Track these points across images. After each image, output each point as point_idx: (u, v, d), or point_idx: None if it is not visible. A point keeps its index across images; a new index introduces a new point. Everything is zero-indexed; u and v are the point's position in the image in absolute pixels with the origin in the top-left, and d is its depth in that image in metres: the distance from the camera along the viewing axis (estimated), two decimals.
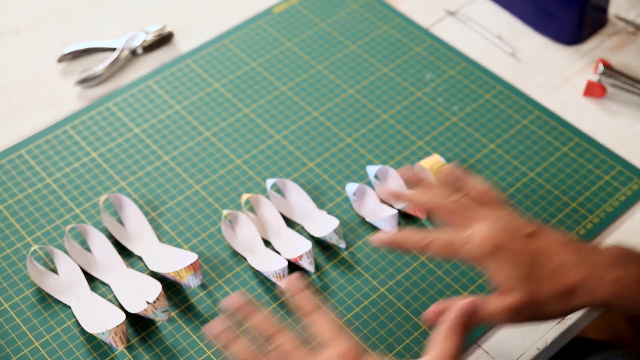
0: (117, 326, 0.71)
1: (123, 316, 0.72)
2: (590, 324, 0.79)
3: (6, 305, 0.76)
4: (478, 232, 0.64)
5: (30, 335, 0.74)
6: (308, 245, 0.78)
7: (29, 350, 0.73)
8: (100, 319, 0.73)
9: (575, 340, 0.79)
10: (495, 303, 0.62)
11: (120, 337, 0.71)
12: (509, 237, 0.64)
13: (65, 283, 0.77)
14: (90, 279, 0.78)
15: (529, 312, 0.62)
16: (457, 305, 0.61)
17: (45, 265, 0.79)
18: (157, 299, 0.73)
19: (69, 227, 0.80)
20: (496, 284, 0.63)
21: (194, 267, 0.75)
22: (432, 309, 0.63)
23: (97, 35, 1.02)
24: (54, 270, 0.78)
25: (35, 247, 0.79)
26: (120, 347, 0.71)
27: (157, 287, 0.74)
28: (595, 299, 0.62)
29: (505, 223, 0.65)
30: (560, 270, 0.62)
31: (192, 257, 0.76)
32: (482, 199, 0.69)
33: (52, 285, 0.77)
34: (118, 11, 1.06)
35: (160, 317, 0.73)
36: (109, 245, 0.79)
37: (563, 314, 0.64)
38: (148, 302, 0.73)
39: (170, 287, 0.78)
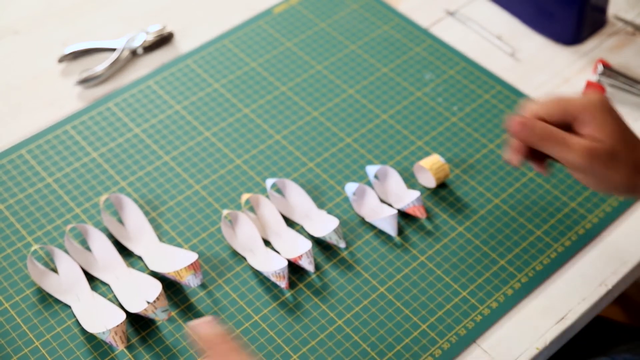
0: (117, 326, 0.71)
1: (123, 316, 0.72)
2: (612, 308, 0.79)
3: (6, 305, 0.76)
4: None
5: (30, 335, 0.74)
6: (308, 245, 0.78)
7: (29, 350, 0.73)
8: (101, 318, 0.73)
9: (598, 320, 0.79)
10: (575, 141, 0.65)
11: (120, 336, 0.71)
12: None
13: (66, 282, 0.77)
14: (91, 278, 0.78)
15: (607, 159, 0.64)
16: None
17: (46, 264, 0.79)
18: (157, 298, 0.73)
19: (69, 226, 0.80)
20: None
21: (194, 267, 0.75)
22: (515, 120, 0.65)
23: (98, 36, 1.02)
24: (55, 270, 0.78)
25: (35, 246, 0.79)
26: (120, 347, 0.71)
27: (157, 287, 0.74)
28: None
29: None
30: None
31: (192, 256, 0.76)
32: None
33: (53, 284, 0.77)
34: (118, 11, 1.06)
35: (160, 317, 0.73)
36: (109, 245, 0.79)
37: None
38: (148, 302, 0.73)
39: (170, 287, 0.78)
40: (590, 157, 0.64)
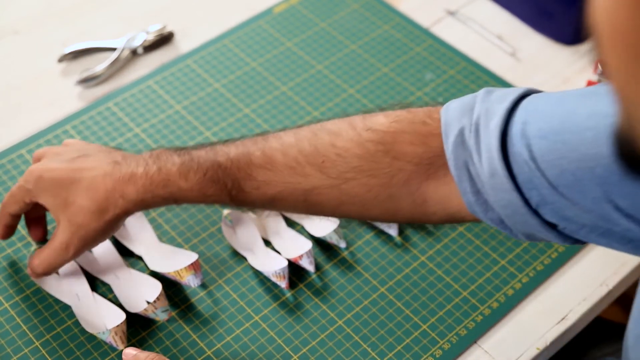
0: (118, 326, 0.71)
1: (123, 316, 0.72)
2: (613, 308, 0.79)
3: (6, 305, 0.76)
4: None
5: (30, 335, 0.74)
6: (308, 245, 0.78)
7: (30, 350, 0.73)
8: (101, 318, 0.73)
9: (598, 320, 0.79)
10: (49, 248, 0.71)
11: (120, 336, 0.71)
12: None
13: (66, 282, 0.77)
14: (91, 278, 0.78)
15: (77, 242, 0.69)
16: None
17: None
18: (158, 298, 0.73)
19: (33, 248, 0.80)
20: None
21: (194, 267, 0.75)
22: None
23: (98, 35, 1.02)
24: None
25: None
26: (120, 347, 0.71)
27: (157, 287, 0.74)
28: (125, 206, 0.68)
29: None
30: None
31: (193, 256, 0.76)
32: None
33: (53, 284, 0.77)
34: (118, 11, 1.06)
35: (160, 317, 0.73)
36: (109, 245, 0.79)
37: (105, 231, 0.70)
38: (148, 302, 0.73)
39: (171, 287, 0.78)
40: (66, 249, 0.71)
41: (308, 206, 0.65)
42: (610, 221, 0.53)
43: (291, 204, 0.66)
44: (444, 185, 0.61)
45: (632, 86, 0.32)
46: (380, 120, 0.63)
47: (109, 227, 0.69)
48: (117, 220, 0.69)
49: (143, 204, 0.68)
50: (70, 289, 0.76)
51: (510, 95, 0.59)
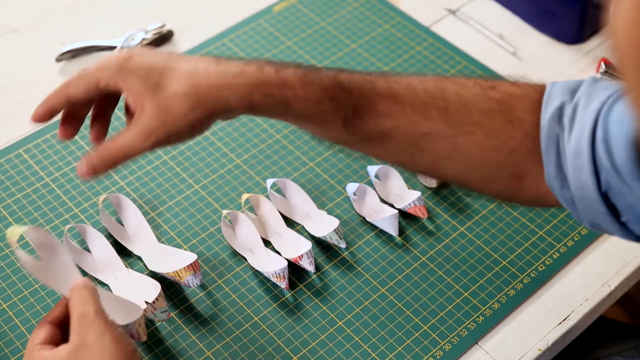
0: (140, 317, 0.68)
1: (141, 309, 0.69)
2: (615, 308, 0.79)
3: (4, 306, 0.76)
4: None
5: (28, 336, 0.73)
6: (308, 245, 0.78)
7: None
8: (138, 294, 0.72)
9: (600, 320, 0.79)
10: (128, 133, 0.59)
11: (143, 328, 0.69)
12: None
13: (102, 262, 0.77)
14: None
15: (162, 131, 0.58)
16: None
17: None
18: (157, 299, 0.72)
19: (67, 227, 0.79)
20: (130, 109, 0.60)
21: (193, 267, 0.75)
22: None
23: (96, 34, 1.01)
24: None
25: (27, 250, 0.78)
26: (143, 339, 0.69)
27: (156, 288, 0.74)
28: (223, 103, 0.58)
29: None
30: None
31: (192, 257, 0.76)
32: None
33: (89, 263, 0.77)
34: (117, 10, 1.05)
35: (159, 318, 0.73)
36: (107, 246, 0.78)
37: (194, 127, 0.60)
38: (147, 303, 0.73)
39: (170, 288, 0.77)
40: (146, 137, 0.58)
41: (415, 151, 0.63)
42: None
43: (400, 144, 0.63)
44: (541, 163, 0.61)
45: None
46: (504, 83, 0.63)
47: (203, 122, 0.59)
48: (214, 115, 0.59)
49: (249, 104, 0.59)
50: (107, 269, 0.76)
51: (615, 86, 0.59)
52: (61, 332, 0.61)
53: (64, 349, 0.57)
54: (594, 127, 0.57)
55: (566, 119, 0.59)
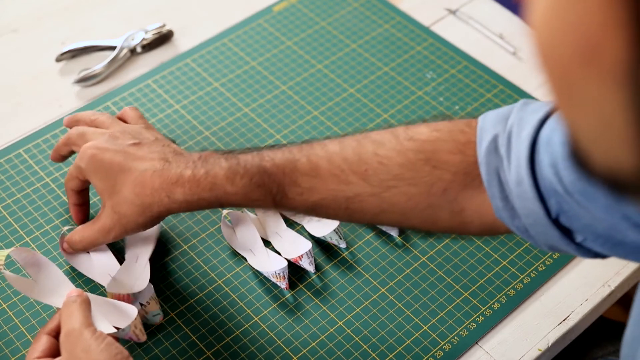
0: (135, 319, 0.69)
1: (135, 310, 0.70)
2: (615, 309, 0.79)
3: (4, 306, 0.76)
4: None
5: (28, 336, 0.73)
6: (308, 245, 0.78)
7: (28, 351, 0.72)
8: (114, 316, 0.72)
9: (600, 321, 0.79)
10: (92, 228, 0.73)
11: (140, 329, 0.69)
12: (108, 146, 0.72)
13: (97, 262, 0.77)
14: (87, 280, 0.77)
15: (118, 229, 0.71)
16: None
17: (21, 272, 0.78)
18: (148, 302, 0.72)
19: (66, 227, 0.79)
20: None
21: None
22: None
23: (96, 34, 1.01)
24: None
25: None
26: (142, 339, 0.69)
27: (149, 290, 0.73)
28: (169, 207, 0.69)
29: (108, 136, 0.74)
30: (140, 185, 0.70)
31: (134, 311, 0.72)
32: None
33: (84, 264, 0.77)
34: (117, 10, 1.05)
35: (151, 321, 0.73)
36: (104, 247, 0.78)
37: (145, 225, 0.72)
38: (141, 304, 0.72)
39: (170, 288, 0.77)
40: (100, 230, 0.74)
41: (349, 213, 0.66)
42: (620, 231, 0.53)
43: (332, 211, 0.66)
44: (480, 194, 0.62)
45: (566, 109, 0.31)
46: (422, 130, 0.64)
47: (150, 222, 0.71)
48: (160, 217, 0.70)
49: (187, 206, 0.69)
50: (102, 269, 0.76)
51: (545, 107, 0.59)
52: (58, 343, 0.63)
53: None
54: (530, 154, 0.57)
55: (502, 149, 0.59)
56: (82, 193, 0.78)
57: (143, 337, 0.70)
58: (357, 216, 0.66)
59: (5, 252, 0.69)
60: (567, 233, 0.57)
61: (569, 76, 0.30)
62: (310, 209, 0.67)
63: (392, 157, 0.63)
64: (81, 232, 0.74)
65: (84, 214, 0.80)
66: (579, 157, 0.33)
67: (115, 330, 0.68)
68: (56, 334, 0.64)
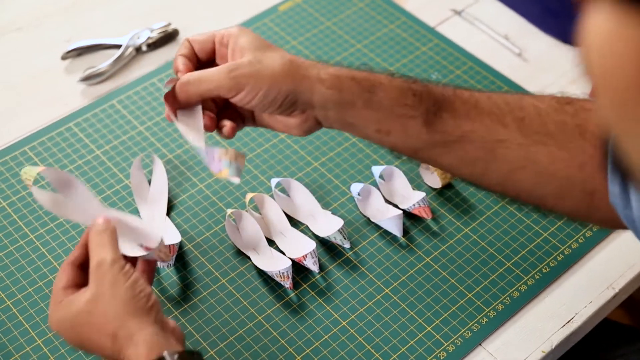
0: (160, 242, 0.67)
1: (160, 232, 0.69)
2: (619, 311, 0.78)
3: (9, 303, 0.76)
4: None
5: (32, 333, 0.74)
6: (312, 245, 0.78)
7: (31, 348, 0.72)
8: (138, 238, 0.69)
9: (605, 323, 0.79)
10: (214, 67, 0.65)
11: (165, 252, 0.68)
12: None
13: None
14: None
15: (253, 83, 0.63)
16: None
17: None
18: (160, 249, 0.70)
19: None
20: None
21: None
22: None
23: (102, 33, 1.01)
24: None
25: (41, 174, 0.78)
26: (168, 259, 0.68)
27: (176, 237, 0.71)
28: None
29: None
30: None
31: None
32: None
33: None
34: (123, 8, 1.05)
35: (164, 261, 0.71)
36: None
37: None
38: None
39: (173, 286, 0.77)
40: (230, 71, 0.63)
41: (490, 158, 0.64)
42: None
43: (476, 150, 0.64)
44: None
45: (622, 125, 0.31)
46: (580, 100, 0.64)
47: (283, 94, 0.64)
48: (297, 93, 0.64)
49: (338, 86, 0.63)
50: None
51: None
52: (83, 273, 0.64)
53: (82, 296, 0.61)
54: None
55: None
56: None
57: (168, 258, 0.69)
58: (496, 165, 0.64)
59: (35, 170, 0.67)
60: None
61: (629, 101, 0.29)
62: (456, 140, 0.64)
63: (550, 113, 0.63)
64: (197, 71, 0.66)
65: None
66: (617, 156, 0.33)
67: (141, 252, 0.66)
68: (79, 264, 0.64)
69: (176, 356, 0.59)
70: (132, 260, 0.65)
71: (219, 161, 0.65)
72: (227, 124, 0.67)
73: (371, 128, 0.65)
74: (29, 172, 0.66)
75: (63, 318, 0.62)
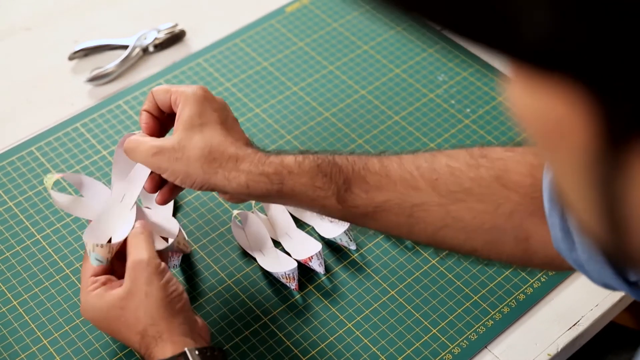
0: (178, 236, 0.71)
1: (177, 225, 0.73)
2: (626, 314, 0.78)
3: (15, 303, 0.76)
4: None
5: (38, 333, 0.74)
6: (318, 246, 0.78)
7: (37, 348, 0.73)
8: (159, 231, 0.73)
9: (611, 326, 0.79)
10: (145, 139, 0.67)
11: (184, 243, 0.72)
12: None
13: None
14: None
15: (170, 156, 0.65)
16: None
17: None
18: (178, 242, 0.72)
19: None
20: None
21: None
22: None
23: (109, 33, 1.01)
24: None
25: (62, 179, 0.78)
26: (188, 250, 0.73)
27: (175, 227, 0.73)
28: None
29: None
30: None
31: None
32: None
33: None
34: (130, 9, 1.05)
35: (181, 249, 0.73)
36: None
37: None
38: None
39: None
40: (154, 155, 0.66)
41: (411, 223, 0.65)
42: None
43: (394, 217, 0.65)
44: (545, 224, 0.60)
45: (550, 165, 0.32)
46: (496, 149, 0.64)
47: (201, 181, 0.66)
48: (215, 188, 0.67)
49: (249, 180, 0.65)
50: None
51: None
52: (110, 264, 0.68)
53: (117, 291, 0.65)
54: None
55: None
56: None
57: (189, 249, 0.73)
58: (418, 228, 0.65)
59: (54, 177, 0.70)
60: (621, 272, 0.56)
61: (547, 143, 0.31)
62: (372, 211, 0.65)
63: (464, 171, 0.63)
64: (141, 140, 0.68)
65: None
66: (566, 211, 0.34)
67: (164, 244, 0.70)
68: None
69: (196, 352, 0.61)
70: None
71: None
72: (159, 195, 0.71)
73: (298, 207, 0.69)
74: (52, 180, 0.70)
75: (96, 309, 0.65)
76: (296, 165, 0.65)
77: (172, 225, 0.72)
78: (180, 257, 0.76)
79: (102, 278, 0.67)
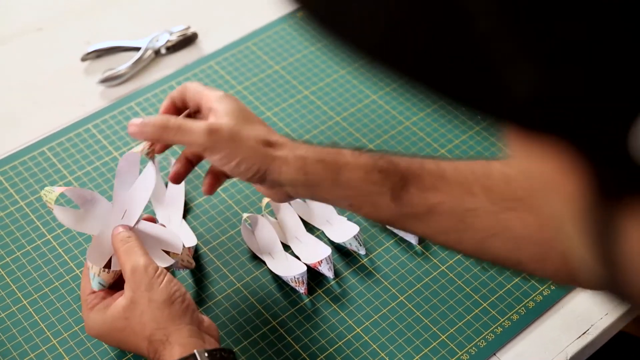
0: (182, 253, 0.71)
1: (181, 241, 0.72)
2: (636, 324, 0.78)
3: (25, 302, 0.76)
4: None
5: (47, 333, 0.74)
6: (328, 250, 0.78)
7: (47, 348, 0.73)
8: (161, 248, 0.72)
9: (621, 336, 0.78)
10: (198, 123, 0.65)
11: (188, 260, 0.71)
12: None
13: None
14: None
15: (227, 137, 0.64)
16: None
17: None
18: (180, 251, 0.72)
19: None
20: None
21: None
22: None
23: (121, 35, 1.02)
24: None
25: (64, 194, 0.78)
26: (192, 265, 0.72)
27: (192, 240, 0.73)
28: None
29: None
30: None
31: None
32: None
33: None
34: (142, 11, 1.06)
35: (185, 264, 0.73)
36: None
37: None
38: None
39: (188, 290, 0.77)
40: (210, 133, 0.63)
41: (461, 228, 0.64)
42: None
43: (446, 221, 0.64)
44: None
45: None
46: None
47: (254, 168, 0.65)
48: (265, 169, 0.65)
49: (302, 166, 0.64)
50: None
51: None
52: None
53: (119, 302, 0.64)
54: None
55: None
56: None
57: (191, 265, 0.72)
58: (467, 235, 0.64)
59: (56, 191, 0.69)
60: None
61: (541, 195, 0.32)
62: (425, 212, 0.64)
63: (518, 179, 0.61)
64: (180, 119, 0.66)
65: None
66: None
67: (168, 262, 0.69)
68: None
69: (206, 354, 0.60)
70: None
71: None
72: (205, 186, 0.70)
73: (343, 204, 0.67)
74: (50, 195, 0.68)
75: (100, 324, 0.65)
76: (353, 158, 0.64)
77: (177, 240, 0.71)
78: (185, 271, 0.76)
79: (101, 292, 0.66)
